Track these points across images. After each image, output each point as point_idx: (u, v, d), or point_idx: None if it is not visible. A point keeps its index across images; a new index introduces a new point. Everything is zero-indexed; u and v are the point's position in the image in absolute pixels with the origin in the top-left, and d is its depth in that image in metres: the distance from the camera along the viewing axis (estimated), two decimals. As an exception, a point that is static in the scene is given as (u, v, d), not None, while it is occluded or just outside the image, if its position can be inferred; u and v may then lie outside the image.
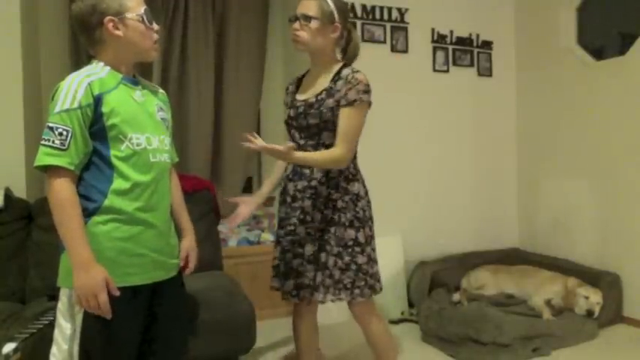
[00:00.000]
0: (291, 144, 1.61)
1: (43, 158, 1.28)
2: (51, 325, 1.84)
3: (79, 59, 3.06)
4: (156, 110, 1.49)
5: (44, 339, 1.87)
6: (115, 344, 1.35)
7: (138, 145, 1.38)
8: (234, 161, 3.49)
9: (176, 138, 1.54)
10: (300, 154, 1.69)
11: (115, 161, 1.35)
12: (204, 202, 2.87)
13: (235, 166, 3.50)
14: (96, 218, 1.34)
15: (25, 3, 2.79)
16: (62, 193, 1.29)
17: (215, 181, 3.40)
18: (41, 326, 1.79)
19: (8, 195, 2.51)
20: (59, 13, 3.11)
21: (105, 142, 1.35)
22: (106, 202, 1.34)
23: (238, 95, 3.49)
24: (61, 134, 1.28)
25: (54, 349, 1.36)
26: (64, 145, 1.28)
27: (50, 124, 1.29)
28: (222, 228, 3.33)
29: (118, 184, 1.35)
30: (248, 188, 3.77)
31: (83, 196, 1.34)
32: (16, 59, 2.70)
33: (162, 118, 1.51)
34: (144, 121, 1.42)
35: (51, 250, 2.44)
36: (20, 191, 2.65)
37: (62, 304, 1.35)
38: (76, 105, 1.29)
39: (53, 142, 1.27)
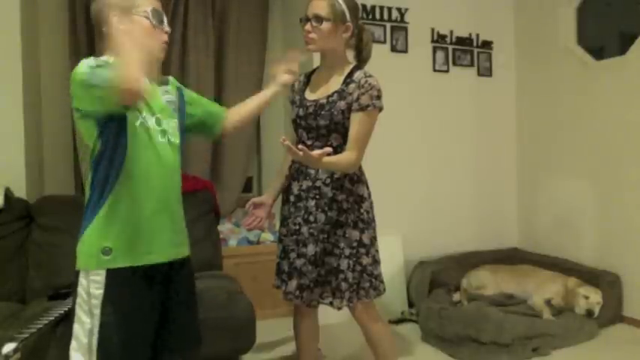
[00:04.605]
0: (328, 149, 1.58)
1: (110, 77, 1.26)
2: (51, 326, 1.85)
3: (79, 59, 3.04)
4: (160, 94, 1.53)
5: (44, 339, 1.88)
6: (133, 337, 1.38)
7: (150, 123, 1.43)
8: (234, 161, 3.49)
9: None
10: (327, 160, 1.63)
11: (128, 132, 1.38)
12: (204, 202, 2.87)
13: (235, 166, 3.50)
14: (111, 199, 1.37)
15: (25, 4, 2.79)
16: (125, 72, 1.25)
17: (215, 181, 3.40)
18: (41, 326, 1.79)
19: (8, 195, 2.51)
20: (59, 13, 3.12)
21: (120, 122, 1.37)
22: (119, 183, 1.37)
23: (238, 95, 3.47)
24: (102, 66, 1.30)
25: (74, 344, 1.37)
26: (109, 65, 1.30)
27: (92, 71, 1.29)
28: (222, 228, 3.33)
29: (127, 164, 1.38)
30: (248, 188, 3.78)
31: (97, 183, 1.38)
32: (16, 59, 2.70)
33: (167, 101, 1.54)
34: (152, 104, 1.45)
35: (51, 250, 2.46)
36: (20, 191, 2.65)
37: (81, 298, 1.37)
38: (100, 62, 1.33)
39: (103, 71, 1.28)
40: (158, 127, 1.45)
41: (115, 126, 1.37)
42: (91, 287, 1.35)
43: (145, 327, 1.41)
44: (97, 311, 1.34)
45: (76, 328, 1.37)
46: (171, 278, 1.49)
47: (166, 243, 1.45)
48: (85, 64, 1.33)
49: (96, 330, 1.34)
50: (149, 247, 1.41)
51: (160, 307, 1.46)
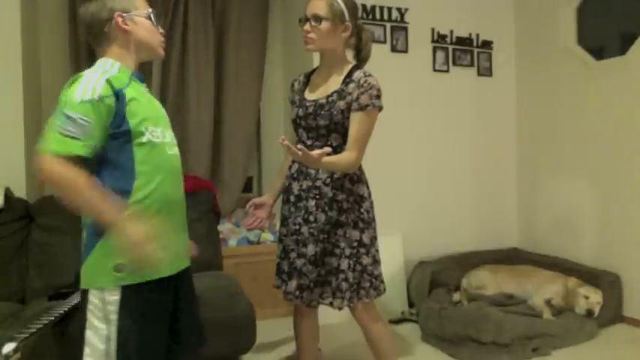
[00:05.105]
0: (327, 149, 1.59)
1: (57, 145, 1.25)
2: (51, 326, 1.85)
3: (79, 61, 3.05)
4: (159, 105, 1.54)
5: (44, 339, 1.88)
6: (152, 339, 1.39)
7: (157, 137, 1.41)
8: (234, 161, 3.49)
9: (176, 137, 1.57)
10: (327, 160, 1.63)
11: (136, 155, 1.36)
12: (204, 202, 2.87)
13: (235, 166, 3.50)
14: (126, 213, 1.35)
15: (25, 4, 2.79)
16: (65, 172, 1.25)
17: (215, 181, 3.40)
18: (41, 326, 1.79)
19: (8, 195, 2.51)
20: (59, 13, 3.12)
21: (127, 137, 1.35)
22: (132, 199, 1.36)
23: (238, 95, 3.49)
24: (81, 125, 1.26)
25: (87, 350, 1.35)
26: (86, 135, 1.27)
27: (69, 114, 1.26)
28: (222, 228, 3.33)
29: (141, 179, 1.37)
30: (248, 188, 3.78)
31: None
32: (16, 60, 2.70)
33: (164, 113, 1.55)
34: (156, 115, 1.45)
35: (51, 250, 2.46)
36: (20, 191, 2.65)
37: (94, 306, 1.35)
38: (96, 97, 1.29)
39: (70, 130, 1.25)
40: (165, 140, 1.44)
41: (116, 144, 1.34)
42: (105, 295, 1.34)
43: (161, 327, 1.43)
44: (114, 317, 1.34)
45: (89, 334, 1.35)
46: (179, 281, 1.51)
47: (175, 256, 1.47)
48: (80, 95, 1.28)
49: (113, 335, 1.34)
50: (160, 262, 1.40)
51: (171, 307, 1.48)
